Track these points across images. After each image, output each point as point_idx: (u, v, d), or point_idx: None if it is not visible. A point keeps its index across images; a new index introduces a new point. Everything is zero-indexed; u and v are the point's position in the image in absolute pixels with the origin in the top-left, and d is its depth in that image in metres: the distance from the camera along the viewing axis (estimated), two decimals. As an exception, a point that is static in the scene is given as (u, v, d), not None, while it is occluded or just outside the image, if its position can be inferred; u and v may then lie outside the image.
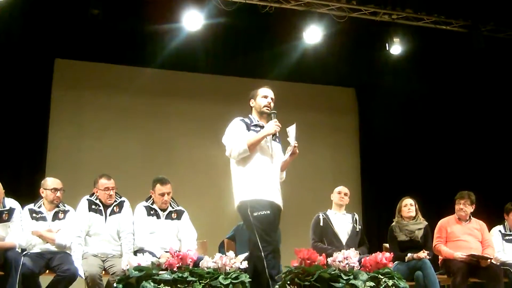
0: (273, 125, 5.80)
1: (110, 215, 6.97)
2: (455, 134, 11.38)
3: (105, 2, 9.15)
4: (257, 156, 5.82)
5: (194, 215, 7.43)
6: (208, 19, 9.57)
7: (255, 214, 5.63)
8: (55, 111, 9.81)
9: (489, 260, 7.48)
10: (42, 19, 9.53)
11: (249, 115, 6.11)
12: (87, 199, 6.99)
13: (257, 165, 5.79)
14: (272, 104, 6.09)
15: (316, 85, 10.48)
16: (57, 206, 6.93)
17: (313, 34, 9.91)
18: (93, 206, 6.95)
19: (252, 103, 6.17)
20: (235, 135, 5.90)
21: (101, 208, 6.97)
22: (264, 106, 6.05)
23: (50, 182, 6.94)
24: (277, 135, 5.98)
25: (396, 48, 10.22)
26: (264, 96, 6.12)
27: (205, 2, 9.43)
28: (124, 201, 7.13)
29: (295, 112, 10.58)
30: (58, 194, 6.88)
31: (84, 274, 6.44)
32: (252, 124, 5.98)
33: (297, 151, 5.87)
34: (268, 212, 5.60)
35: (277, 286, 5.52)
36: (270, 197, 5.70)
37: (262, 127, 5.91)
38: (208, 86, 10.79)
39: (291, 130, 5.84)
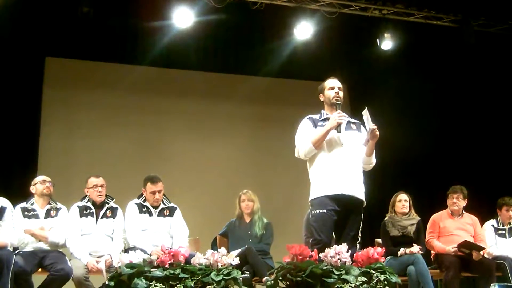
0: (335, 118, 5.72)
1: (101, 217, 6.96)
2: (447, 128, 11.40)
3: (95, 0, 9.13)
4: (324, 152, 5.83)
5: (187, 212, 7.43)
6: (199, 16, 9.58)
7: (313, 212, 5.77)
8: (46, 110, 9.77)
9: (482, 252, 7.51)
10: (32, 17, 9.51)
11: (321, 110, 6.05)
12: (78, 206, 6.98)
13: (324, 161, 5.81)
14: (340, 94, 5.97)
15: (307, 81, 10.47)
16: (49, 203, 6.93)
17: (304, 30, 9.93)
18: (84, 211, 6.93)
19: (321, 97, 6.06)
20: (302, 135, 5.91)
21: (93, 210, 6.96)
22: (333, 98, 5.93)
23: (38, 177, 7.04)
24: (352, 124, 6.00)
25: (387, 43, 10.27)
26: (331, 87, 5.99)
27: (196, -1, 9.46)
28: (117, 208, 7.12)
29: (286, 108, 10.67)
30: (48, 184, 6.90)
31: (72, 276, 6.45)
32: (321, 119, 5.94)
33: (377, 133, 5.80)
34: (324, 211, 5.66)
35: (269, 282, 5.53)
36: (337, 190, 5.70)
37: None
38: (200, 83, 10.78)
39: (365, 114, 5.77)
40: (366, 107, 5.79)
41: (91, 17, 9.16)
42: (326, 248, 5.44)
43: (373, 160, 6.04)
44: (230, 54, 10.71)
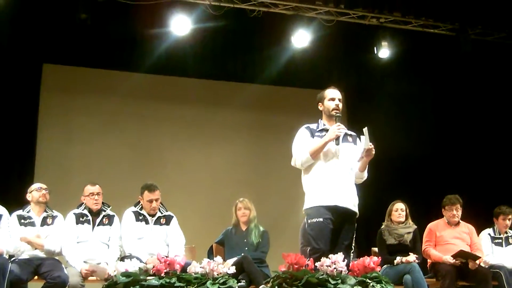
0: (334, 131, 5.71)
1: (98, 225, 6.96)
2: (444, 136, 11.41)
3: (93, 7, 9.12)
4: (320, 163, 5.79)
5: (183, 220, 7.44)
6: (197, 23, 9.58)
7: (309, 221, 5.72)
8: (43, 116, 9.76)
9: (478, 261, 7.50)
10: (30, 24, 9.49)
11: (319, 119, 6.02)
12: (74, 213, 6.97)
13: (319, 172, 5.78)
14: (340, 106, 5.95)
15: (304, 89, 10.50)
16: (45, 211, 6.94)
17: (301, 38, 9.93)
18: (81, 219, 6.93)
19: (320, 106, 6.00)
20: (299, 144, 5.88)
21: (89, 218, 6.96)
22: (333, 110, 5.89)
23: (34, 184, 7.04)
24: (348, 136, 5.99)
25: (384, 51, 10.26)
26: (331, 98, 5.92)
27: (194, 6, 9.45)
28: (114, 215, 7.13)
29: (283, 116, 10.67)
30: (44, 192, 6.91)
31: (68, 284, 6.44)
32: (318, 129, 5.91)
33: (373, 152, 5.79)
34: (321, 219, 5.63)
35: (266, 291, 5.54)
36: (332, 201, 5.68)
37: (328, 131, 5.82)
38: (197, 90, 10.78)
39: (365, 133, 5.74)
40: (366, 127, 5.78)
41: (89, 23, 9.14)
42: (324, 257, 5.43)
43: (365, 175, 6.05)
44: (227, 61, 10.70)
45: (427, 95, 11.29)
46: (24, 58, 9.57)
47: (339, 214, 5.72)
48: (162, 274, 5.20)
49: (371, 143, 5.77)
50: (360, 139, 5.97)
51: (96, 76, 10.27)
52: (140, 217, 7.04)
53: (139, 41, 10.05)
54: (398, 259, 7.47)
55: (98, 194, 7.00)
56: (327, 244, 5.67)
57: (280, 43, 10.32)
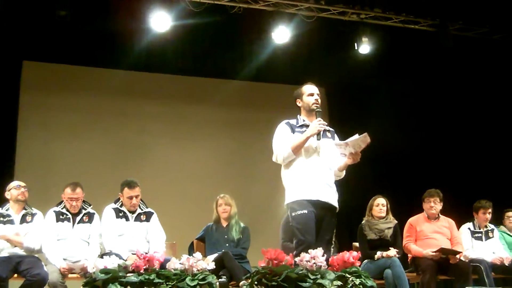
0: (315, 125, 5.75)
1: (78, 222, 6.94)
2: (425, 132, 11.44)
3: (72, 3, 9.07)
4: (301, 158, 5.83)
5: (164, 217, 7.41)
6: (177, 20, 9.54)
7: (293, 214, 5.77)
8: (23, 114, 9.71)
9: (458, 256, 7.54)
10: (9, 20, 9.40)
11: (298, 115, 6.06)
12: (54, 211, 6.95)
13: (301, 167, 5.82)
14: (319, 101, 6.01)
15: (285, 85, 10.47)
16: (25, 209, 6.91)
17: (282, 34, 9.93)
18: (61, 216, 6.92)
19: (298, 103, 6.06)
20: (280, 139, 5.91)
21: (69, 216, 6.94)
22: (313, 104, 5.95)
23: (13, 182, 7.01)
24: (327, 132, 6.02)
25: (365, 47, 10.27)
26: (310, 94, 5.99)
27: (174, 3, 9.41)
28: (94, 213, 7.10)
29: (264, 112, 10.67)
30: (22, 190, 6.88)
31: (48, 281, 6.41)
32: (298, 125, 5.95)
33: (358, 160, 5.83)
34: (305, 211, 5.68)
35: (245, 287, 5.52)
36: (314, 196, 5.74)
37: (308, 126, 5.86)
38: (178, 87, 10.78)
39: (364, 137, 5.73)
40: (366, 133, 5.78)
41: (69, 20, 9.08)
42: (311, 249, 5.43)
43: (343, 174, 6.11)
44: (208, 58, 10.69)
45: (407, 91, 11.31)
46: (4, 55, 9.51)
47: (321, 208, 5.77)
48: (141, 271, 5.17)
49: (360, 153, 5.81)
50: (337, 135, 6.01)
51: (76, 73, 10.23)
52: (121, 214, 7.01)
53: (119, 38, 9.97)
54: (378, 253, 7.50)
55: (76, 200, 6.95)
56: (313, 235, 5.70)
57: (261, 39, 10.33)
